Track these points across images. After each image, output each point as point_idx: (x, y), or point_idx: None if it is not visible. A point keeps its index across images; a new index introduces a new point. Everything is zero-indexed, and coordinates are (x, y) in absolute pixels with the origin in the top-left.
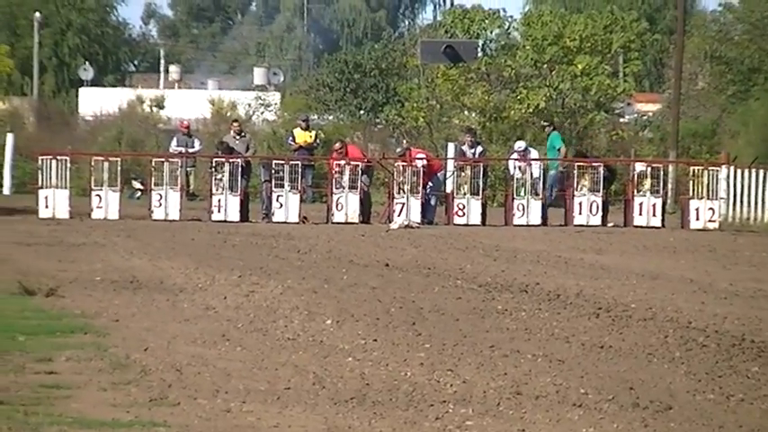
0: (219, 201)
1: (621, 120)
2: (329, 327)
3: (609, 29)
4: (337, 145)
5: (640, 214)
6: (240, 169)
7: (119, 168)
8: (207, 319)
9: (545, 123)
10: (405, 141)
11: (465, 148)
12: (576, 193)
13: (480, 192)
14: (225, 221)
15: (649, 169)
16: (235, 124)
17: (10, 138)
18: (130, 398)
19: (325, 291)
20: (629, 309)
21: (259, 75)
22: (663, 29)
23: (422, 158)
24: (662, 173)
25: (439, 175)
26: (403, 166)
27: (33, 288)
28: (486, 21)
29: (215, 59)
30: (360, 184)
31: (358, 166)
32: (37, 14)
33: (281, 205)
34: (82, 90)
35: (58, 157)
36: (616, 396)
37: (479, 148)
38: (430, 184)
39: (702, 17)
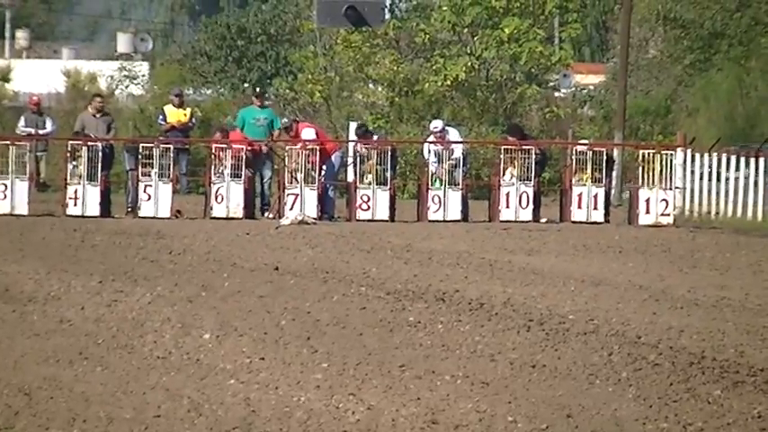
0: (76, 192)
1: (557, 94)
2: (208, 343)
3: None
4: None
5: (579, 207)
6: (101, 155)
7: None
8: (61, 333)
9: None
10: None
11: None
12: (502, 182)
13: (388, 181)
14: (83, 216)
15: (590, 153)
16: (97, 100)
17: None
18: None
19: (203, 300)
20: (567, 321)
21: (123, 41)
22: None
23: (311, 136)
24: (605, 158)
25: (333, 158)
26: (295, 149)
27: None
28: None
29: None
30: (244, 172)
31: (241, 150)
32: None
33: (150, 197)
34: None
35: None
36: (551, 425)
37: (375, 138)
38: (323, 169)
39: None
